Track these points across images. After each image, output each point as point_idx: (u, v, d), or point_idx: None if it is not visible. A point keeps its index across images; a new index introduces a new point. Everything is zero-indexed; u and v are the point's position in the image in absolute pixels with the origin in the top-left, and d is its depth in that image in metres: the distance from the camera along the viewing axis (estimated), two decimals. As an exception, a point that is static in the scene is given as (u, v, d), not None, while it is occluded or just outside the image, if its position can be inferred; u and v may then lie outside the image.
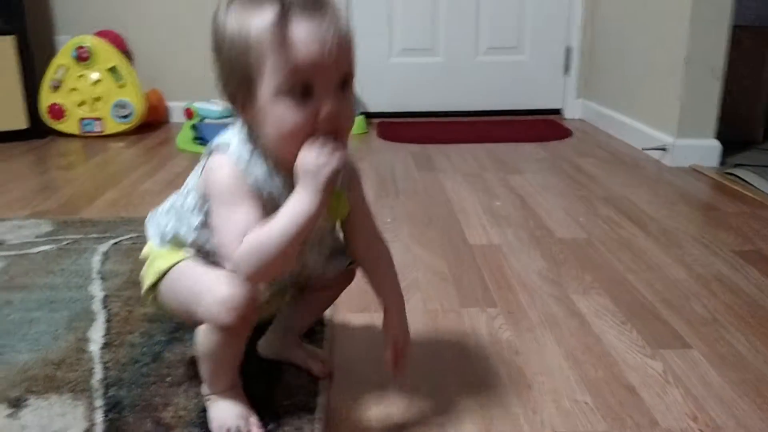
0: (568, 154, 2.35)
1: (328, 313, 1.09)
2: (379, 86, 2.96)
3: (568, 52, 3.01)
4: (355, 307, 1.15)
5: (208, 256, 0.80)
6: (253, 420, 0.83)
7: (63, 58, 2.61)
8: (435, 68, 3.02)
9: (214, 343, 0.78)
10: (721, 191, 1.89)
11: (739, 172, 2.02)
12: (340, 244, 0.89)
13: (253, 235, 0.70)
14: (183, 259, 0.82)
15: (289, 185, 0.72)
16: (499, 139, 2.59)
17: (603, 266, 1.37)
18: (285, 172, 0.74)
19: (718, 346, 1.05)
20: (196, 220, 0.80)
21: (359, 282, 0.93)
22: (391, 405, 0.90)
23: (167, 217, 0.85)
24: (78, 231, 1.54)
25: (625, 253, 1.43)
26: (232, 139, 0.76)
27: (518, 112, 3.07)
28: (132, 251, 1.41)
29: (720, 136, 2.16)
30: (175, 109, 2.89)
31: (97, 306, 1.17)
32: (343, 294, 0.96)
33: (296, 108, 0.68)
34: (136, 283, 1.22)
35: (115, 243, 1.46)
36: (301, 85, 0.68)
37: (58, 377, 0.95)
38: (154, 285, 0.84)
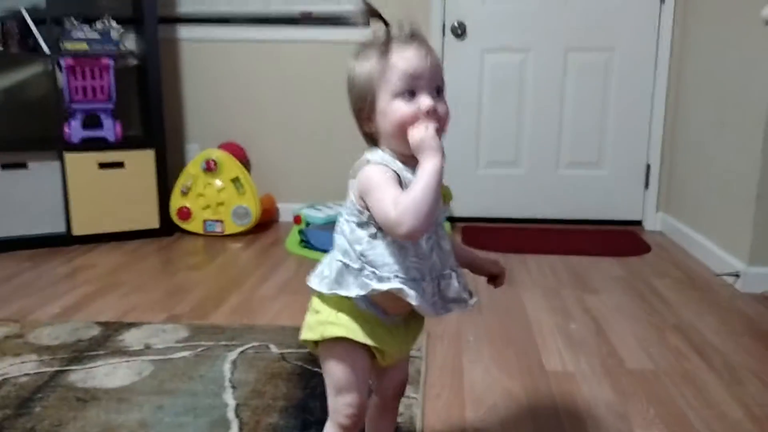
0: (645, 273, 2.50)
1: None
2: (466, 195, 3.22)
3: (648, 167, 3.18)
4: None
5: (373, 265, 0.97)
6: None
7: (193, 168, 3.02)
8: (518, 180, 3.26)
9: None
10: (791, 323, 1.99)
11: (811, 302, 2.11)
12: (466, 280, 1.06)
13: (403, 196, 0.90)
14: (341, 337, 0.99)
15: (412, 169, 0.95)
16: (578, 252, 2.77)
17: (666, 401, 1.52)
18: (405, 160, 0.97)
19: (764, 492, 1.19)
20: (365, 233, 0.97)
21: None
22: None
23: (327, 266, 1.01)
24: (210, 338, 1.84)
25: (689, 388, 1.58)
26: (373, 155, 0.98)
27: (599, 221, 3.25)
28: (255, 360, 1.69)
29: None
30: (285, 210, 3.26)
31: (231, 414, 1.43)
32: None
33: (405, 104, 0.94)
34: (261, 393, 1.50)
35: (242, 351, 1.74)
36: (407, 90, 0.94)
37: (206, 478, 1.21)
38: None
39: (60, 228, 2.87)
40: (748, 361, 1.73)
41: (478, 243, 2.89)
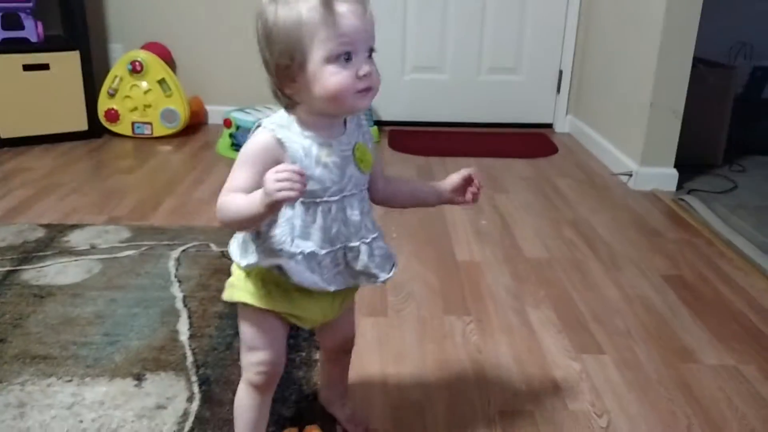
0: (550, 173, 2.76)
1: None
2: (392, 99, 3.36)
3: (560, 74, 3.40)
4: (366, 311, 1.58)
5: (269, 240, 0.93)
6: None
7: (119, 69, 3.02)
8: (441, 84, 3.42)
9: (248, 401, 1.03)
10: (669, 217, 2.30)
11: (689, 198, 2.43)
12: (388, 251, 1.01)
13: (228, 197, 0.88)
14: (244, 302, 0.99)
15: (324, 135, 0.91)
16: (494, 154, 3.00)
17: (555, 284, 1.79)
18: (321, 124, 0.91)
19: (625, 353, 1.48)
20: None
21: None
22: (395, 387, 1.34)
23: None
24: (152, 238, 1.98)
25: (575, 274, 1.86)
26: (271, 118, 0.92)
27: (515, 125, 3.47)
28: (197, 257, 1.85)
29: (684, 160, 2.56)
30: (213, 113, 3.31)
31: (179, 305, 1.61)
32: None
33: (342, 69, 0.85)
34: (206, 286, 1.67)
35: (183, 250, 1.89)
36: (345, 53, 0.85)
37: (162, 359, 1.39)
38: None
39: (-14, 131, 2.86)
40: (630, 251, 2.02)
41: (402, 146, 3.08)
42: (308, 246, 0.92)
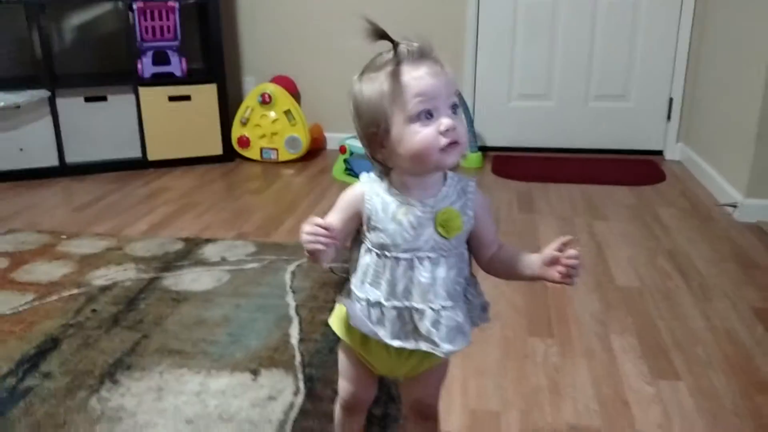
0: (654, 202, 2.78)
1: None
2: (498, 126, 3.50)
3: (670, 101, 3.39)
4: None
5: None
6: None
7: (250, 100, 3.37)
8: (548, 111, 3.51)
9: (338, 417, 1.18)
10: (772, 250, 2.28)
11: (797, 231, 2.38)
12: (460, 325, 1.00)
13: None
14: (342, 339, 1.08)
15: (399, 200, 0.96)
16: (598, 181, 3.05)
17: (642, 313, 1.86)
18: (410, 184, 0.96)
19: (701, 381, 1.54)
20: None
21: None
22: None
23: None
24: (273, 253, 2.24)
25: (664, 304, 1.91)
26: (368, 175, 1.01)
27: (623, 151, 3.50)
28: (309, 272, 2.08)
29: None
30: (332, 139, 3.60)
31: (292, 312, 1.84)
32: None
33: (424, 128, 0.89)
34: (315, 297, 1.89)
35: (298, 265, 2.14)
36: (425, 111, 0.89)
37: (275, 358, 1.62)
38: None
39: (137, 154, 3.29)
40: (724, 283, 2.04)
41: (504, 171, 3.20)
42: (375, 295, 0.97)
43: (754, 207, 2.53)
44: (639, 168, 3.28)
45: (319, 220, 0.93)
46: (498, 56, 3.44)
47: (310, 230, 0.91)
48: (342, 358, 1.12)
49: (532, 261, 0.99)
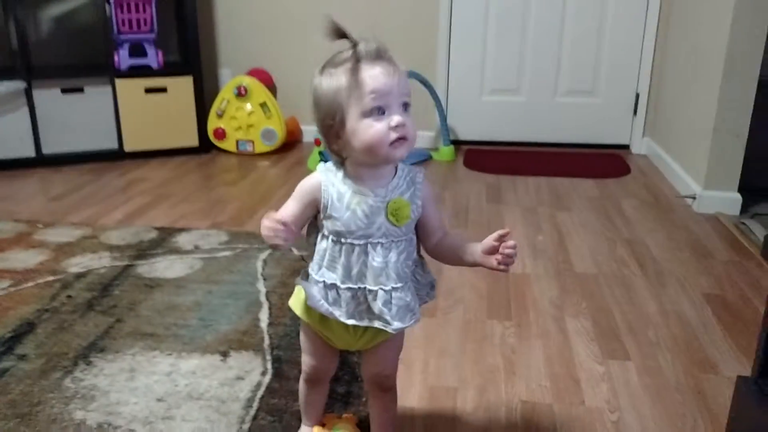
0: (617, 194, 2.88)
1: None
2: (470, 120, 3.58)
3: (637, 96, 3.49)
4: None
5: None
6: None
7: (226, 93, 3.42)
8: (518, 106, 3.60)
9: (302, 389, 1.27)
10: (726, 240, 2.38)
11: (750, 222, 2.49)
12: (410, 304, 1.08)
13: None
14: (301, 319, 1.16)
15: (363, 182, 1.04)
16: (564, 173, 3.15)
17: (598, 297, 1.95)
18: (363, 173, 1.04)
19: (649, 361, 1.63)
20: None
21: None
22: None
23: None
24: (245, 241, 2.30)
25: (619, 289, 2.00)
26: (325, 165, 1.09)
27: (591, 145, 3.59)
28: (281, 260, 2.14)
29: (752, 184, 2.62)
30: (308, 132, 3.66)
31: (263, 298, 1.90)
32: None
33: (376, 123, 0.97)
34: (286, 284, 1.95)
35: (270, 253, 2.20)
36: (377, 107, 0.97)
37: (244, 341, 1.68)
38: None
39: (113, 145, 3.32)
40: (678, 271, 2.14)
41: (476, 164, 3.28)
42: (331, 278, 1.06)
43: (711, 198, 2.63)
44: (605, 161, 3.38)
45: (277, 216, 1.00)
46: (470, 52, 3.52)
47: (269, 225, 0.99)
48: (303, 336, 1.21)
49: (474, 249, 1.09)
